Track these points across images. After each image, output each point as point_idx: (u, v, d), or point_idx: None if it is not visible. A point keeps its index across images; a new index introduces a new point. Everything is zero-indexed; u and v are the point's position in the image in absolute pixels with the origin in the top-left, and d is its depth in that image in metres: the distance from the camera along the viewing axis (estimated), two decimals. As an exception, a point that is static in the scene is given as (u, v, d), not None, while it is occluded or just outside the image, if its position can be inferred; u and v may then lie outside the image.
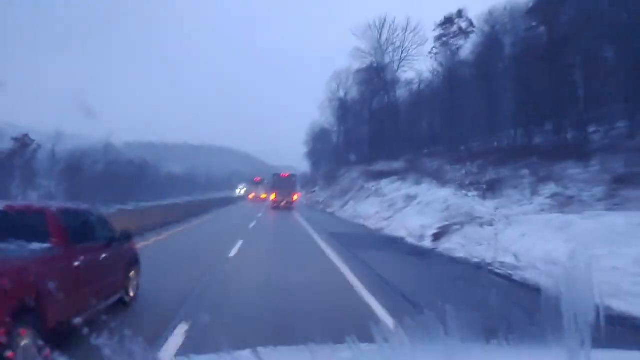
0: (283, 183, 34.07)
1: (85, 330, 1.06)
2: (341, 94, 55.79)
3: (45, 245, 4.01)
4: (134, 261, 6.17)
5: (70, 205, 5.73)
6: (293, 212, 29.78)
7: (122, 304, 5.56)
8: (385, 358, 1.03)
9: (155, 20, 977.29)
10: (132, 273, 5.97)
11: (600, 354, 0.92)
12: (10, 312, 3.04)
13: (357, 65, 48.09)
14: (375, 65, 45.99)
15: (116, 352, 0.93)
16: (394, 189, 25.98)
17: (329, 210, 33.59)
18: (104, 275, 5.03)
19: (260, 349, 1.11)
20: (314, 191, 50.20)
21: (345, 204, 31.30)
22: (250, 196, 57.73)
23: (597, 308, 0.94)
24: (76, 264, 4.28)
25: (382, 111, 45.39)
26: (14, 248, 3.82)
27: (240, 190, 74.77)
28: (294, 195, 33.90)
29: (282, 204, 32.40)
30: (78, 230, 4.67)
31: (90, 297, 4.30)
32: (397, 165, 31.71)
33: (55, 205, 4.87)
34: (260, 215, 26.44)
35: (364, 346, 1.06)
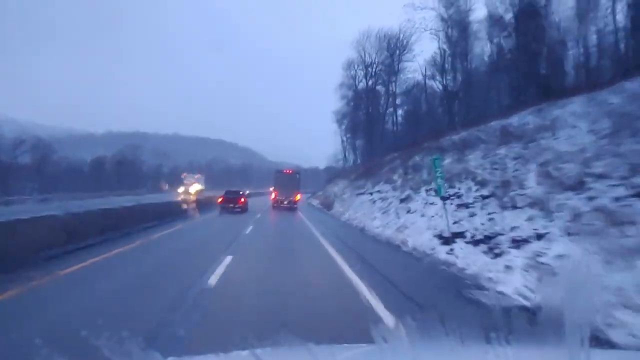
0: (286, 180, 30.31)
1: (86, 331, 1.05)
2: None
3: (243, 195, 28.14)
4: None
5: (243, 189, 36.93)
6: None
7: (247, 211, 26.66)
8: (385, 358, 1.03)
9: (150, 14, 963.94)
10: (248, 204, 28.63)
11: (600, 354, 0.92)
12: (242, 204, 26.51)
13: None
14: None
15: (116, 352, 0.91)
16: None
17: None
18: (247, 204, 27.83)
19: (258, 350, 1.10)
20: None
21: None
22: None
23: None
24: (247, 199, 28.88)
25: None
26: (240, 195, 27.45)
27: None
28: (297, 194, 30.64)
29: (284, 203, 29.65)
30: (243, 195, 28.50)
31: (246, 206, 27.52)
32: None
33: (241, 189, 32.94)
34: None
35: (364, 346, 1.06)
